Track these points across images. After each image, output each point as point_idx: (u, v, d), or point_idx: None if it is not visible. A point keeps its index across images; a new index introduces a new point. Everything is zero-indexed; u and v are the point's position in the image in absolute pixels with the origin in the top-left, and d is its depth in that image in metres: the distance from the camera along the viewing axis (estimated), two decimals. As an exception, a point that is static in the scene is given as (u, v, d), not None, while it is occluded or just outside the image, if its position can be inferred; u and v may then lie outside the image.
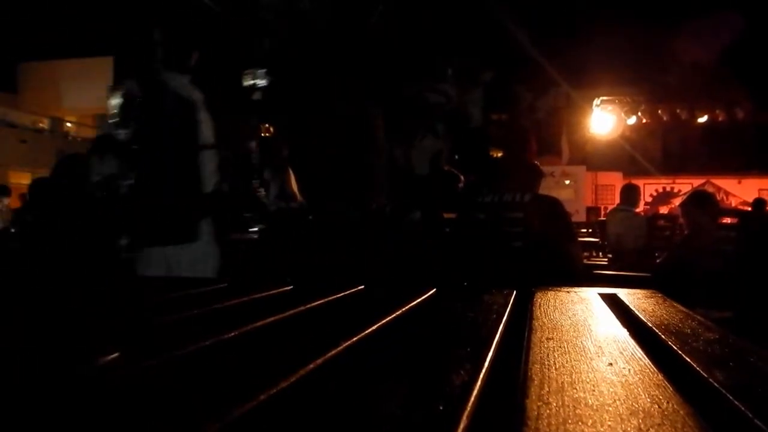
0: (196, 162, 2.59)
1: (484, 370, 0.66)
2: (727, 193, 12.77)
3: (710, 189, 11.10)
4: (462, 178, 4.31)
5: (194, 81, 2.64)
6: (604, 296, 1.29)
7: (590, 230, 8.14)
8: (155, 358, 0.75)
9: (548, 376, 0.65)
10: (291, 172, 4.85)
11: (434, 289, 1.37)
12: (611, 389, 0.61)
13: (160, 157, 2.56)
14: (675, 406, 0.56)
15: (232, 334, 0.86)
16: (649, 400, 0.58)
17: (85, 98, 20.85)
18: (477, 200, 3.19)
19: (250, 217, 3.15)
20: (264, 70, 3.04)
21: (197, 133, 2.60)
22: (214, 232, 2.66)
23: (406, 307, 1.13)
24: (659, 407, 0.56)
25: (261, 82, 3.07)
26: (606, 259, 6.01)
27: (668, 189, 13.55)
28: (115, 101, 2.59)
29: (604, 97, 12.28)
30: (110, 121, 2.63)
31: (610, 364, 0.71)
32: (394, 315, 1.04)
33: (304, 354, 0.72)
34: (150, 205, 2.52)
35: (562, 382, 0.63)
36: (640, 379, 0.65)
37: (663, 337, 0.87)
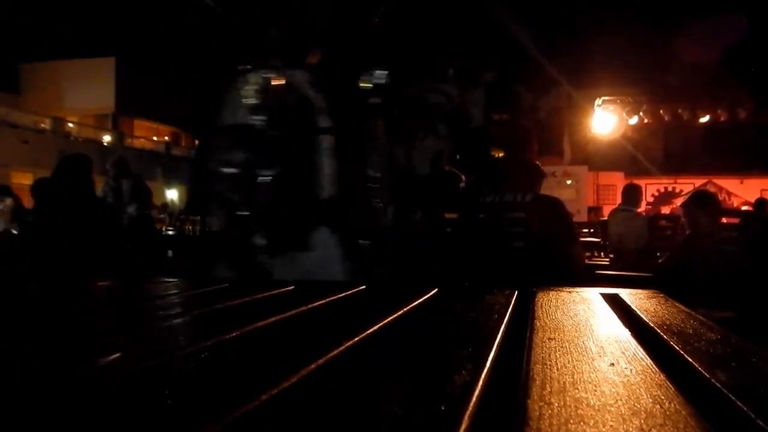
0: (314, 165, 2.44)
1: (485, 371, 0.66)
2: (729, 193, 12.76)
3: (712, 189, 11.08)
4: (463, 178, 4.31)
5: (313, 81, 2.49)
6: (605, 296, 1.28)
7: (592, 230, 8.12)
8: (156, 357, 0.75)
9: (550, 377, 0.65)
10: None
11: (435, 290, 1.37)
12: (613, 389, 0.61)
13: (278, 156, 2.40)
14: (677, 406, 0.56)
15: (234, 334, 0.86)
16: (651, 400, 0.58)
17: (87, 99, 20.90)
18: (478, 200, 3.19)
19: (361, 232, 2.92)
20: (385, 71, 2.73)
21: (316, 134, 2.45)
22: (338, 239, 2.51)
23: (408, 308, 1.12)
24: (661, 407, 0.56)
25: (381, 84, 2.76)
26: (607, 259, 6.00)
27: (670, 189, 13.54)
28: (249, 88, 2.41)
29: (606, 97, 12.28)
30: (244, 106, 2.41)
31: (612, 364, 0.71)
32: (396, 315, 1.04)
33: (305, 354, 0.72)
34: (276, 205, 2.39)
35: (564, 383, 0.63)
36: (642, 379, 0.65)
37: (665, 337, 0.87)
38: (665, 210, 11.67)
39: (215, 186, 2.54)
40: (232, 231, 2.49)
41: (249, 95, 2.38)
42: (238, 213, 2.43)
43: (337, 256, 2.50)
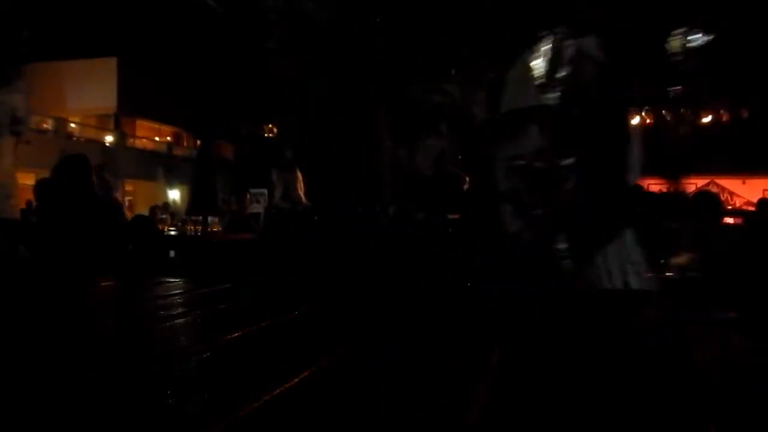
0: (619, 149, 2.00)
1: (487, 371, 0.66)
2: (731, 194, 12.73)
3: (714, 189, 11.07)
4: (466, 178, 4.30)
5: (602, 45, 2.04)
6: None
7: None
8: (158, 358, 0.75)
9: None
10: (299, 173, 4.80)
11: (436, 290, 1.37)
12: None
13: (580, 140, 1.98)
14: (679, 406, 0.56)
15: (236, 334, 0.86)
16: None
17: (89, 99, 20.90)
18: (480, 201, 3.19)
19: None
20: (700, 30, 2.27)
21: (620, 111, 2.04)
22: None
23: (409, 308, 1.12)
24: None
25: (695, 45, 2.27)
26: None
27: (672, 189, 13.51)
28: (538, 62, 2.02)
29: (608, 97, 12.25)
30: (536, 83, 2.00)
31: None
32: (397, 315, 1.03)
33: (307, 354, 0.72)
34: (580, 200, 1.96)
35: (566, 383, 0.62)
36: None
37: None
38: (667, 210, 11.62)
39: (503, 182, 2.13)
40: (527, 233, 2.06)
41: (539, 71, 2.00)
42: (534, 212, 2.03)
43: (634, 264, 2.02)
